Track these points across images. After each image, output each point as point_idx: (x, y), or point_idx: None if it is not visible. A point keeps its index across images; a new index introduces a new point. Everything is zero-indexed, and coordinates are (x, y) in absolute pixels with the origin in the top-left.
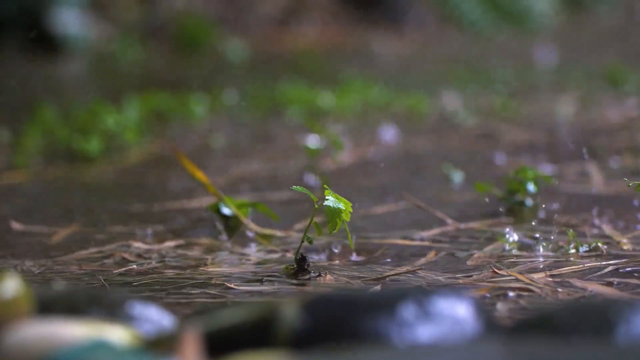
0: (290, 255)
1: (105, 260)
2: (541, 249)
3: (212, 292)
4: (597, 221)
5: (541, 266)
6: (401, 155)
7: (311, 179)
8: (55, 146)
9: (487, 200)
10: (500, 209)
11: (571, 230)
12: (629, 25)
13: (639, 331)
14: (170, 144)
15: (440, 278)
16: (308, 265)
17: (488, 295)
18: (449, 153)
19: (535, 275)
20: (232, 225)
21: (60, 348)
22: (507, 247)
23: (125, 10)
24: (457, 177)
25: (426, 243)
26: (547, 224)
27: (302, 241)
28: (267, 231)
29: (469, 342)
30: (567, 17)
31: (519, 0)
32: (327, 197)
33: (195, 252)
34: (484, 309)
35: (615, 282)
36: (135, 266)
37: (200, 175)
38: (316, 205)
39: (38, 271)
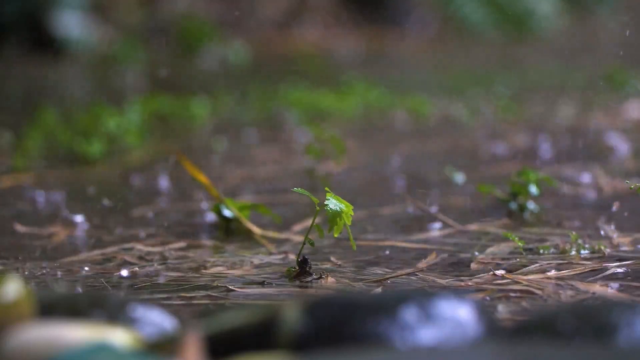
0: (291, 258)
1: (107, 262)
2: (543, 251)
3: (213, 294)
4: (599, 223)
5: (543, 268)
6: (403, 157)
7: (313, 181)
8: (56, 149)
9: (489, 202)
10: (503, 211)
11: (573, 233)
12: (630, 28)
13: None
14: (172, 146)
15: (441, 280)
16: (310, 267)
17: (489, 297)
18: (450, 155)
19: (537, 278)
20: (233, 227)
21: (62, 351)
22: (509, 249)
23: (127, 12)
24: (459, 179)
25: (428, 245)
26: (549, 226)
27: (304, 243)
28: (269, 233)
29: (470, 345)
30: (569, 20)
31: (521, 2)
32: (328, 199)
33: (196, 254)
34: (485, 311)
35: (617, 285)
36: (137, 268)
37: (201, 177)
38: (317, 207)
39: (39, 273)
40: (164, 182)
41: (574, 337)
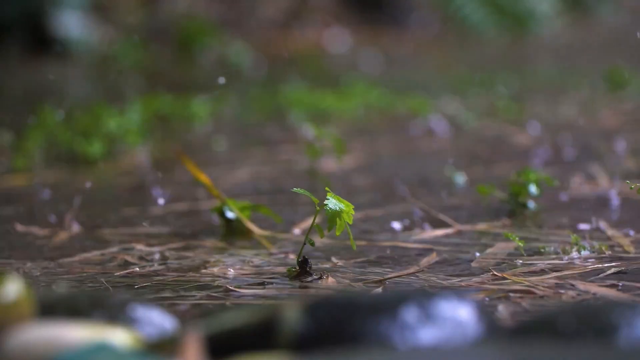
0: (292, 258)
1: (107, 262)
2: (543, 251)
3: (214, 294)
4: (599, 223)
5: (543, 268)
6: (403, 157)
7: (313, 181)
8: (57, 149)
9: (489, 202)
10: (503, 212)
11: (574, 233)
12: (631, 28)
13: None
14: (173, 146)
15: (442, 280)
16: (310, 267)
17: (489, 298)
18: (451, 155)
19: (538, 278)
20: (234, 228)
21: (62, 351)
22: (510, 250)
23: (128, 13)
24: (460, 179)
25: (428, 245)
26: (549, 226)
27: (304, 243)
28: (270, 233)
29: (470, 345)
30: (569, 20)
31: (521, 2)
32: (328, 199)
33: (197, 255)
34: (485, 312)
35: (617, 285)
36: (137, 268)
37: (202, 177)
38: (317, 207)
39: (40, 274)
40: (164, 182)
41: (574, 337)
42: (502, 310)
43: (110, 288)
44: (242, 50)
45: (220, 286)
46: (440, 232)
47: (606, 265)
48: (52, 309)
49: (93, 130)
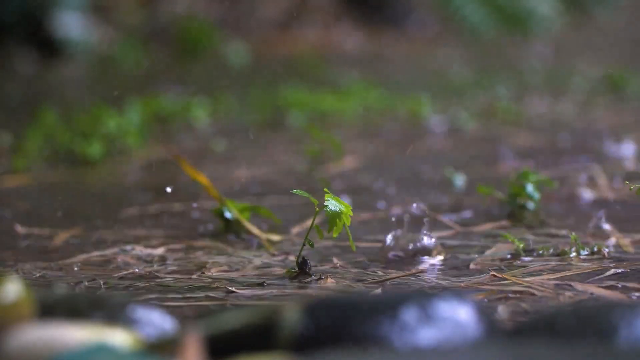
0: (291, 259)
1: (107, 264)
2: (543, 252)
3: (213, 295)
4: (599, 224)
5: (543, 269)
6: (402, 158)
7: (312, 182)
8: (56, 149)
9: (488, 203)
10: (502, 213)
11: (573, 233)
12: (630, 28)
13: None
14: (172, 147)
15: (441, 281)
16: (309, 268)
17: (488, 298)
18: (450, 156)
19: (537, 278)
20: (233, 229)
21: (62, 351)
22: (509, 251)
23: (127, 13)
24: (459, 180)
25: (427, 246)
26: (548, 227)
27: (304, 244)
28: (269, 234)
29: (470, 346)
30: (569, 20)
31: (521, 3)
32: (327, 200)
33: (196, 256)
34: (485, 312)
35: (617, 285)
36: (136, 269)
37: (201, 178)
38: (317, 209)
39: (39, 274)
40: (163, 183)
41: (573, 337)
42: (502, 310)
43: (109, 289)
44: (242, 50)
45: (220, 287)
46: (439, 233)
47: (606, 265)
48: (52, 309)
49: (92, 130)
